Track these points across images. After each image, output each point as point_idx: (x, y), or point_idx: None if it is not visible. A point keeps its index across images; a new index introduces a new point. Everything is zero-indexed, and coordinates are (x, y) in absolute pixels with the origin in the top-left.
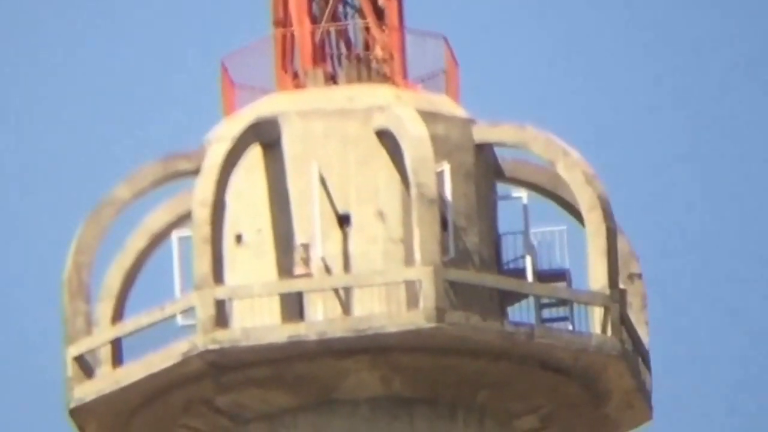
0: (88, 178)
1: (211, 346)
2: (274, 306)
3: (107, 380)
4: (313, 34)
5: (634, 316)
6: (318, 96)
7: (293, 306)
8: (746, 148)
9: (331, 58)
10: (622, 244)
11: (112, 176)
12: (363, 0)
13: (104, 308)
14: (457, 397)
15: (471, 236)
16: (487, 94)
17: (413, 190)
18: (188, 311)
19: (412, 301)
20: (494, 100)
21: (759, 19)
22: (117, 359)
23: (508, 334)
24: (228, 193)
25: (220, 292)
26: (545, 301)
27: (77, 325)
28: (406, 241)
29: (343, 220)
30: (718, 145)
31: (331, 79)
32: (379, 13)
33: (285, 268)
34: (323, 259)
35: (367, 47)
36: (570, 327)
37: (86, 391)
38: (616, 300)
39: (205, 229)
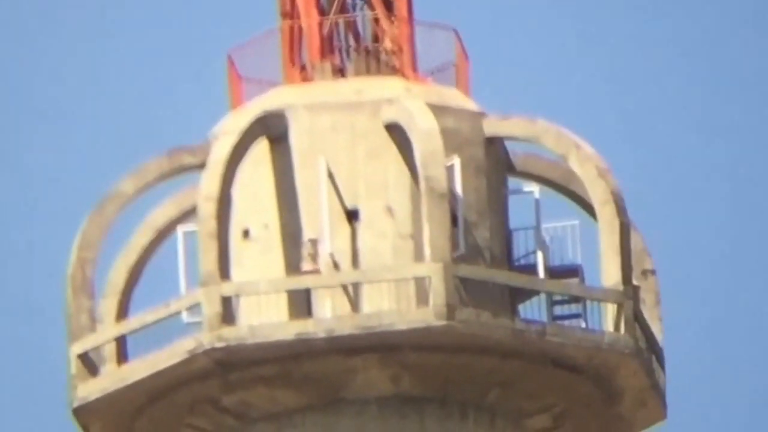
0: (92, 172)
1: (217, 344)
2: (282, 303)
3: (111, 378)
4: (321, 26)
5: (648, 313)
6: (326, 89)
7: (301, 303)
8: (762, 141)
9: (340, 50)
10: (635, 240)
11: (116, 170)
12: None
13: (108, 305)
14: (468, 396)
15: (482, 231)
16: (497, 87)
17: (423, 185)
18: (194, 308)
19: (422, 297)
20: (505, 93)
21: None
22: (121, 357)
23: (519, 332)
24: (234, 188)
25: (227, 289)
26: (557, 297)
27: (81, 322)
28: (416, 237)
29: (352, 215)
30: (734, 139)
31: (339, 71)
32: (388, 5)
33: (292, 264)
34: (331, 255)
35: (376, 39)
36: (582, 324)
37: (90, 389)
38: (629, 297)
39: (211, 224)
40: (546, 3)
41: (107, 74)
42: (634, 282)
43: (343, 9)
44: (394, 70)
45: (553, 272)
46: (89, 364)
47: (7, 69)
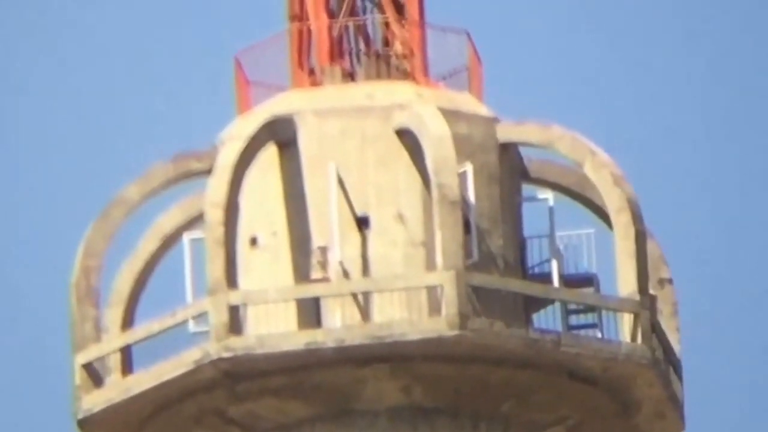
0: (97, 177)
1: (225, 354)
2: (290, 312)
3: (117, 389)
4: (330, 29)
5: (665, 323)
6: (335, 94)
7: (310, 312)
8: None
9: (349, 54)
10: (651, 248)
11: (121, 176)
12: None
13: (114, 313)
14: (481, 408)
15: (495, 239)
16: (511, 91)
17: (435, 192)
18: (200, 317)
19: (434, 307)
20: (519, 98)
21: None
22: (127, 367)
23: (533, 342)
24: (242, 194)
25: (234, 297)
26: (572, 307)
27: (85, 331)
28: (428, 245)
29: (362, 223)
30: (753, 144)
31: (349, 76)
32: (399, 8)
33: (301, 272)
34: (341, 263)
35: (386, 43)
36: (598, 334)
37: (95, 400)
38: (646, 306)
39: (218, 231)
40: (561, 5)
41: (112, 76)
42: (651, 291)
43: (353, 12)
44: (405, 75)
45: (568, 281)
46: (94, 374)
47: (12, 72)
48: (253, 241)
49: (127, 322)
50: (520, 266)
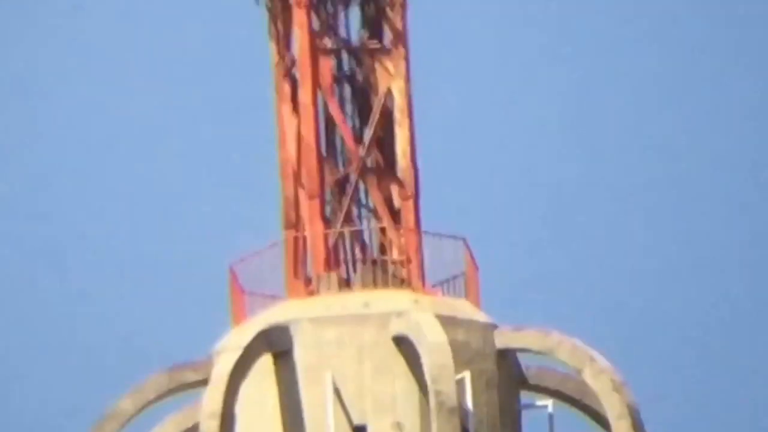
0: (90, 389)
1: None
2: None
3: None
4: (326, 237)
5: None
6: (332, 302)
7: None
8: None
9: (346, 262)
10: None
11: (115, 388)
12: (378, 201)
13: None
14: None
15: None
16: (509, 298)
17: (432, 399)
18: None
19: None
20: (517, 305)
21: None
22: None
23: None
24: (237, 405)
25: None
26: None
27: None
28: None
29: None
30: (760, 346)
31: (346, 283)
32: (395, 215)
33: None
34: None
35: (383, 250)
36: None
37: None
38: None
39: None
40: (559, 209)
41: (104, 287)
42: None
43: (348, 220)
44: (402, 282)
45: None
46: None
47: (10, 270)
48: None
49: None
50: None
